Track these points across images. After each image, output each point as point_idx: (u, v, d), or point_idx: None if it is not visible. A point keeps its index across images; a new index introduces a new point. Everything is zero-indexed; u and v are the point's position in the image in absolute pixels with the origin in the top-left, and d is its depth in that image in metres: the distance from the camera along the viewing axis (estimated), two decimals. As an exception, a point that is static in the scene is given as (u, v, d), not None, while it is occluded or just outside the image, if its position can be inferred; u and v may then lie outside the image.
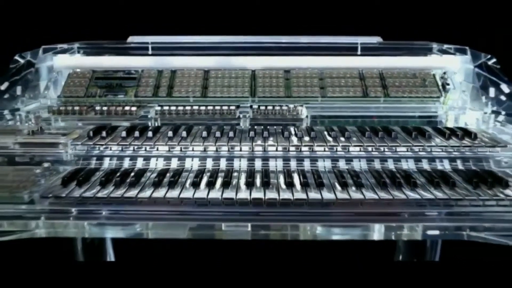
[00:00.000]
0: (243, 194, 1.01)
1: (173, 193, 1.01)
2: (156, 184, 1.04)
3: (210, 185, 1.04)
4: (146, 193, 1.01)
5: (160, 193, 1.02)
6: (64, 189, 1.03)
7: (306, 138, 1.20)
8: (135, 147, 1.18)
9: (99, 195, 1.01)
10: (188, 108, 1.35)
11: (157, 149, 1.18)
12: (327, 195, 1.01)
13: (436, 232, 1.03)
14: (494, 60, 1.41)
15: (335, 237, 1.01)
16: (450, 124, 1.38)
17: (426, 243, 1.71)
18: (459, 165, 1.17)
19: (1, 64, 1.59)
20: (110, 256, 1.81)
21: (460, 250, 1.89)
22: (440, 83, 1.44)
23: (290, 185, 1.05)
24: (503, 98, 1.38)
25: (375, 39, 1.51)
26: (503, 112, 1.37)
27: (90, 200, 1.01)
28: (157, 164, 1.18)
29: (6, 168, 1.14)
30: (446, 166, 1.17)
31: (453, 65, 1.47)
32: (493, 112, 1.36)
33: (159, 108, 1.35)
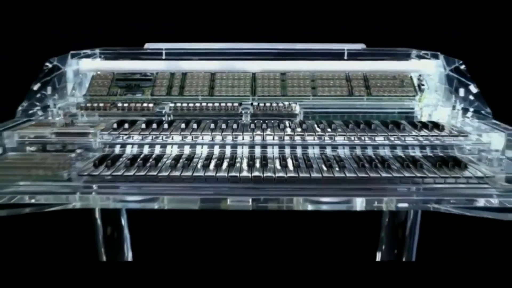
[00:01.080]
0: (245, 173, 1.21)
1: (187, 173, 1.22)
2: (172, 166, 1.24)
3: (218, 166, 1.24)
4: (164, 173, 1.22)
5: (176, 173, 1.22)
6: (95, 170, 1.24)
7: (299, 129, 1.40)
8: (153, 136, 1.38)
9: (126, 174, 1.22)
10: (197, 105, 1.56)
11: (172, 138, 1.38)
12: (315, 174, 1.21)
13: (406, 205, 1.23)
14: (463, 65, 1.62)
15: (323, 208, 1.21)
16: (424, 119, 1.58)
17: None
18: (428, 152, 1.38)
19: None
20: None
21: (434, 250, 2.12)
22: (416, 84, 1.65)
23: (284, 166, 1.25)
24: (471, 97, 1.58)
25: (359, 46, 1.70)
26: (471, 109, 1.58)
27: (118, 178, 1.21)
28: (172, 151, 1.38)
29: (45, 154, 1.35)
30: (417, 152, 1.38)
31: (428, 69, 1.68)
32: (462, 109, 1.58)
33: (172, 105, 1.56)
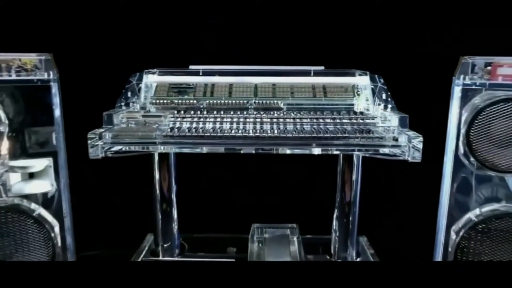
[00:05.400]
0: (251, 134, 2.21)
1: (219, 134, 2.22)
2: (211, 132, 2.25)
3: (236, 132, 2.24)
4: (207, 134, 2.22)
5: (213, 134, 2.22)
6: (169, 132, 2.23)
7: (281, 115, 2.42)
8: (198, 118, 2.39)
9: (186, 134, 2.22)
10: (222, 102, 2.52)
11: (209, 119, 2.39)
12: (289, 135, 2.21)
13: (339, 152, 2.23)
14: (382, 80, 2.64)
15: (296, 152, 2.20)
16: (359, 111, 2.59)
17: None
18: (356, 127, 2.38)
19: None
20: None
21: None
22: (355, 91, 2.67)
23: (273, 132, 2.25)
24: (389, 99, 2.61)
25: (321, 67, 2.70)
26: (390, 106, 2.59)
27: (182, 137, 2.21)
28: (209, 125, 2.38)
29: (137, 127, 2.34)
30: (349, 128, 2.37)
31: (363, 82, 2.67)
32: (383, 106, 2.60)
33: (207, 101, 2.56)
